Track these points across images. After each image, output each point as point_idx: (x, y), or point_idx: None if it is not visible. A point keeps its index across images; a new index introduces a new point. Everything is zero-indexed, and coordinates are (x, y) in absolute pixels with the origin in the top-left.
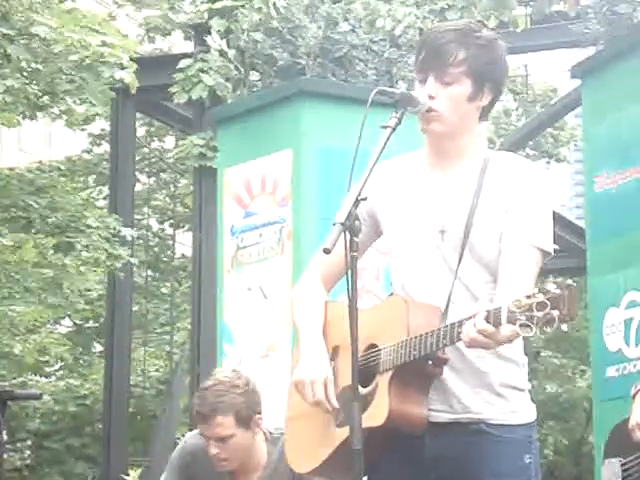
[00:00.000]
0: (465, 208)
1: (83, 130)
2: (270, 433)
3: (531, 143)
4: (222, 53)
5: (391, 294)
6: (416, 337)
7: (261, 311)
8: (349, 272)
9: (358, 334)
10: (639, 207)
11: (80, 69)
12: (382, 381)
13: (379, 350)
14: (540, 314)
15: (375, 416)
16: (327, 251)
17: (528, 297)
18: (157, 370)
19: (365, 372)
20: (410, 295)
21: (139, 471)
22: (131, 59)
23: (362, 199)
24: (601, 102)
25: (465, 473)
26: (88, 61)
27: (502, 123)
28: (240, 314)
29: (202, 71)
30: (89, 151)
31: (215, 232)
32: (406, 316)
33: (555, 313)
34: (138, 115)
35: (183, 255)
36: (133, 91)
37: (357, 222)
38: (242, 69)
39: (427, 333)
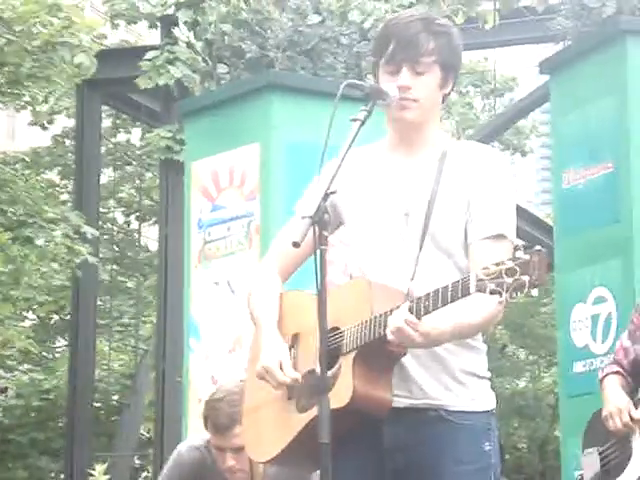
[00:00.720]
0: (426, 194)
1: (46, 129)
2: None
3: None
4: (189, 45)
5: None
6: (380, 315)
7: (228, 306)
8: (318, 265)
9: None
10: (606, 203)
11: (44, 52)
12: (346, 362)
13: (342, 332)
14: (510, 280)
15: (339, 397)
16: (296, 245)
17: (497, 264)
18: (122, 365)
19: (328, 355)
20: (372, 278)
21: (105, 466)
22: (93, 41)
23: (332, 192)
24: (569, 98)
25: (423, 461)
26: (52, 41)
27: (465, 118)
28: (207, 309)
29: (169, 62)
30: (54, 147)
31: (181, 226)
32: (369, 297)
33: (525, 278)
34: (104, 107)
35: (149, 249)
36: (88, 73)
37: (326, 216)
38: (210, 61)
39: (391, 309)
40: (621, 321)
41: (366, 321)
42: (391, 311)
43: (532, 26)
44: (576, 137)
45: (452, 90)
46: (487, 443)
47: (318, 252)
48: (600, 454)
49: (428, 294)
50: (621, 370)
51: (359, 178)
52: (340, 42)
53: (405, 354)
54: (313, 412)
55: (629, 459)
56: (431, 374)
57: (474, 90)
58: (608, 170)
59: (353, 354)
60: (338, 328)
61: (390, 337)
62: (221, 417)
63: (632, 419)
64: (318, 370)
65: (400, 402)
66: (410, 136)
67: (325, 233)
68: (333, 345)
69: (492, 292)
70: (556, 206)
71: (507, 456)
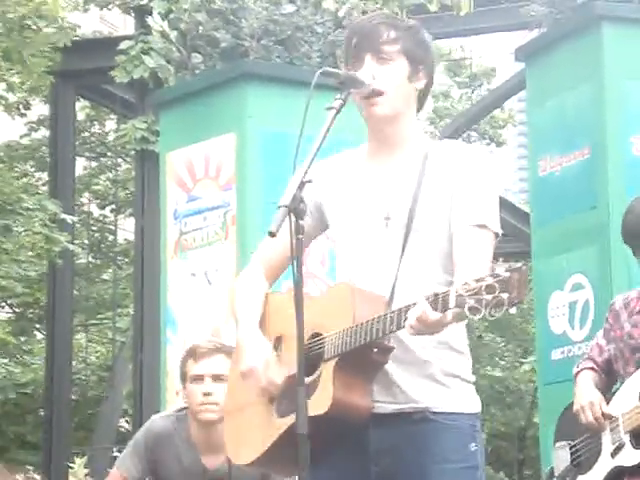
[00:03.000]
0: (408, 195)
1: (22, 116)
2: None
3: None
4: (163, 35)
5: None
6: (362, 324)
7: (205, 297)
8: (294, 255)
9: (305, 322)
10: (582, 190)
11: (20, 26)
12: (326, 369)
13: (323, 338)
14: (489, 297)
15: (318, 404)
16: (272, 234)
17: (477, 280)
18: (99, 357)
19: (309, 361)
20: (356, 284)
21: (84, 459)
22: (69, 28)
23: (307, 181)
24: (545, 85)
25: (408, 463)
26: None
27: (442, 107)
28: (184, 300)
29: (144, 53)
30: (27, 135)
31: (158, 217)
32: (351, 304)
33: (504, 296)
34: (78, 98)
35: (126, 240)
36: (67, 42)
37: (302, 204)
38: (184, 51)
39: (373, 319)
40: (598, 307)
41: (348, 328)
42: (373, 320)
43: (507, 13)
44: (552, 124)
45: (429, 87)
46: (473, 444)
47: (294, 241)
48: (571, 448)
49: (408, 306)
50: (595, 367)
51: (341, 183)
52: (315, 31)
53: (387, 362)
54: (289, 418)
55: (599, 455)
56: (414, 378)
57: (452, 80)
58: (584, 157)
59: (334, 361)
60: (320, 334)
61: (410, 331)
62: (204, 344)
63: (603, 414)
64: None
65: (384, 408)
66: (385, 132)
67: (301, 222)
68: (314, 351)
69: (470, 309)
70: (532, 194)
71: (486, 446)
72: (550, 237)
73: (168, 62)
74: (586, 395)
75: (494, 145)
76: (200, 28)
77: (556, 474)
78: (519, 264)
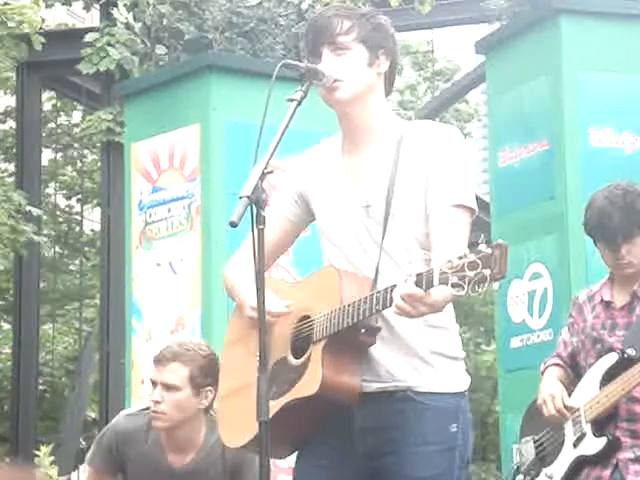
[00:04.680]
0: (385, 182)
1: None
2: (210, 415)
3: (437, 119)
4: (128, 26)
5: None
6: (349, 305)
7: (170, 286)
8: (256, 245)
9: (294, 306)
10: (541, 181)
11: None
12: (315, 351)
13: (312, 320)
14: (472, 273)
15: (308, 386)
16: (233, 224)
17: (460, 258)
18: (66, 347)
19: (299, 344)
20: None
21: (49, 447)
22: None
23: (268, 172)
24: (504, 77)
25: (391, 441)
26: None
27: (407, 100)
28: (149, 290)
29: (109, 45)
30: None
31: (123, 207)
32: (339, 286)
33: (487, 272)
34: (44, 90)
35: (92, 230)
36: (38, 47)
37: (263, 195)
38: (148, 43)
39: (360, 300)
40: (556, 296)
41: (336, 310)
42: (359, 301)
43: (468, 7)
44: (511, 116)
45: (393, 69)
46: (454, 425)
47: (256, 231)
48: (535, 442)
49: (394, 285)
50: (561, 362)
51: (322, 173)
52: (278, 23)
53: (375, 343)
54: (284, 399)
55: (562, 446)
56: (399, 356)
57: (417, 74)
58: (543, 148)
59: (322, 343)
60: (308, 317)
61: (396, 311)
62: (166, 350)
63: (565, 406)
64: (289, 357)
65: (369, 386)
66: (354, 119)
67: (262, 213)
68: (304, 334)
69: (454, 285)
70: (493, 185)
71: None
72: (510, 227)
73: (133, 54)
74: (548, 388)
75: None
76: (164, 20)
77: (522, 470)
78: (499, 240)
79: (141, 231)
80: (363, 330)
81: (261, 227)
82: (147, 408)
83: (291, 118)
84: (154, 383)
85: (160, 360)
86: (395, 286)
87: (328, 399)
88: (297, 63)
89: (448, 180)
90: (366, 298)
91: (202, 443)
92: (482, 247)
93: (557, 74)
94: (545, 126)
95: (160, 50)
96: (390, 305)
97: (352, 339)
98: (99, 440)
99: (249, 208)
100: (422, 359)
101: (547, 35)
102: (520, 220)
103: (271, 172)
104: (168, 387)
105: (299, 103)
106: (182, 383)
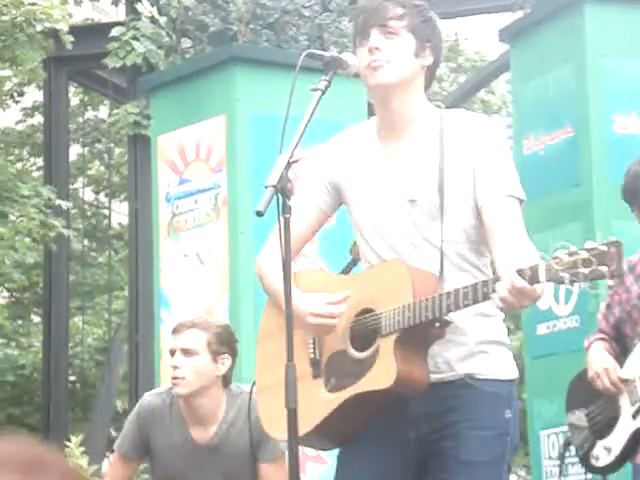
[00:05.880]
0: (434, 174)
1: (17, 103)
2: (229, 389)
3: (462, 109)
4: (153, 20)
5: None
6: (427, 299)
7: (198, 277)
8: (282, 234)
9: (352, 299)
10: (567, 168)
11: (13, 28)
12: (385, 344)
13: (378, 314)
14: (586, 271)
15: (380, 379)
16: (260, 214)
17: (570, 254)
18: (95, 339)
19: (361, 337)
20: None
21: (80, 437)
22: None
23: (294, 161)
24: (528, 65)
25: (448, 426)
26: (21, 19)
27: (434, 92)
28: (177, 280)
29: (134, 38)
30: (23, 121)
31: (150, 200)
32: (410, 280)
33: (603, 269)
34: (72, 84)
35: (119, 224)
36: (69, 46)
37: (289, 184)
38: (174, 36)
39: (441, 295)
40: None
41: (410, 304)
42: (441, 296)
43: None
44: (536, 104)
45: (436, 65)
46: (508, 411)
47: (282, 220)
48: (587, 415)
49: (486, 281)
50: (604, 336)
51: (358, 162)
52: (302, 14)
53: (444, 336)
54: (347, 392)
55: (617, 419)
56: (455, 347)
57: (444, 65)
58: (568, 135)
59: (394, 336)
60: (371, 309)
61: (499, 304)
62: (185, 320)
63: (619, 378)
64: (350, 350)
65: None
66: (395, 110)
67: (288, 202)
68: (369, 327)
69: (565, 282)
70: (518, 172)
71: None
72: (535, 214)
73: (158, 47)
74: (599, 362)
75: None
76: (189, 13)
77: (574, 443)
78: (613, 238)
79: (168, 222)
80: (437, 324)
81: (287, 216)
82: (170, 388)
83: (315, 108)
84: (172, 352)
85: (178, 329)
86: (486, 282)
87: (399, 392)
88: (321, 52)
89: (498, 171)
90: (449, 294)
91: (223, 417)
92: (594, 244)
93: (581, 61)
94: (570, 113)
95: (185, 43)
96: (483, 300)
97: (424, 333)
98: (127, 423)
99: (275, 197)
100: (477, 347)
101: (570, 22)
102: (546, 207)
103: (296, 161)
104: (187, 352)
105: (323, 92)
106: (200, 348)
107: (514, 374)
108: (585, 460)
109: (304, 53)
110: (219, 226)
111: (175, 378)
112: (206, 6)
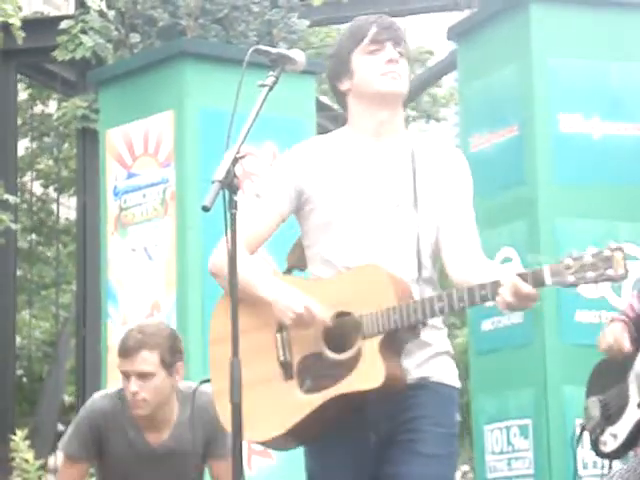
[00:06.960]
0: (409, 184)
1: None
2: (180, 390)
3: (411, 104)
4: (102, 14)
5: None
6: (415, 302)
7: (145, 272)
8: (229, 229)
9: (325, 303)
10: (512, 166)
11: None
12: (368, 346)
13: (359, 317)
14: (593, 274)
15: (368, 378)
16: (206, 209)
17: (574, 259)
18: (43, 332)
19: (338, 339)
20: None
21: (25, 431)
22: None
23: (241, 157)
24: (475, 64)
25: (405, 422)
26: None
27: None
28: (124, 275)
29: (83, 32)
30: None
31: (98, 194)
32: (392, 284)
33: (610, 272)
34: (19, 78)
35: (67, 219)
36: (20, 41)
37: (236, 180)
38: (122, 30)
39: (432, 298)
40: None
41: (395, 307)
42: (432, 299)
43: None
44: (482, 102)
45: None
46: (457, 414)
47: (228, 216)
48: (600, 402)
49: (483, 285)
50: (626, 319)
51: (331, 167)
52: (251, 10)
53: (418, 338)
54: (324, 394)
55: (625, 407)
56: (413, 355)
57: None
58: (514, 133)
59: (379, 338)
60: (347, 312)
61: (503, 307)
62: (129, 340)
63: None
64: (326, 352)
65: None
66: (383, 120)
67: (235, 197)
68: (347, 329)
69: (570, 285)
70: None
71: None
72: (481, 212)
73: (107, 41)
74: (612, 332)
75: (434, 122)
76: (138, 7)
77: (587, 428)
78: (617, 244)
79: (116, 217)
80: (421, 326)
81: (234, 211)
82: (121, 389)
83: (262, 103)
84: (126, 374)
85: (127, 351)
86: (484, 285)
87: (384, 391)
88: (267, 49)
89: (460, 194)
90: (441, 296)
91: (176, 419)
92: (593, 249)
93: (527, 61)
94: (515, 112)
95: (134, 37)
96: (481, 302)
97: (404, 335)
98: (76, 424)
99: (222, 193)
100: (432, 356)
101: (517, 22)
102: (491, 205)
103: (243, 157)
104: (143, 376)
105: (271, 88)
106: (155, 369)
107: (458, 383)
108: (595, 445)
109: (251, 49)
110: (167, 221)
111: (135, 401)
112: (155, 0)
